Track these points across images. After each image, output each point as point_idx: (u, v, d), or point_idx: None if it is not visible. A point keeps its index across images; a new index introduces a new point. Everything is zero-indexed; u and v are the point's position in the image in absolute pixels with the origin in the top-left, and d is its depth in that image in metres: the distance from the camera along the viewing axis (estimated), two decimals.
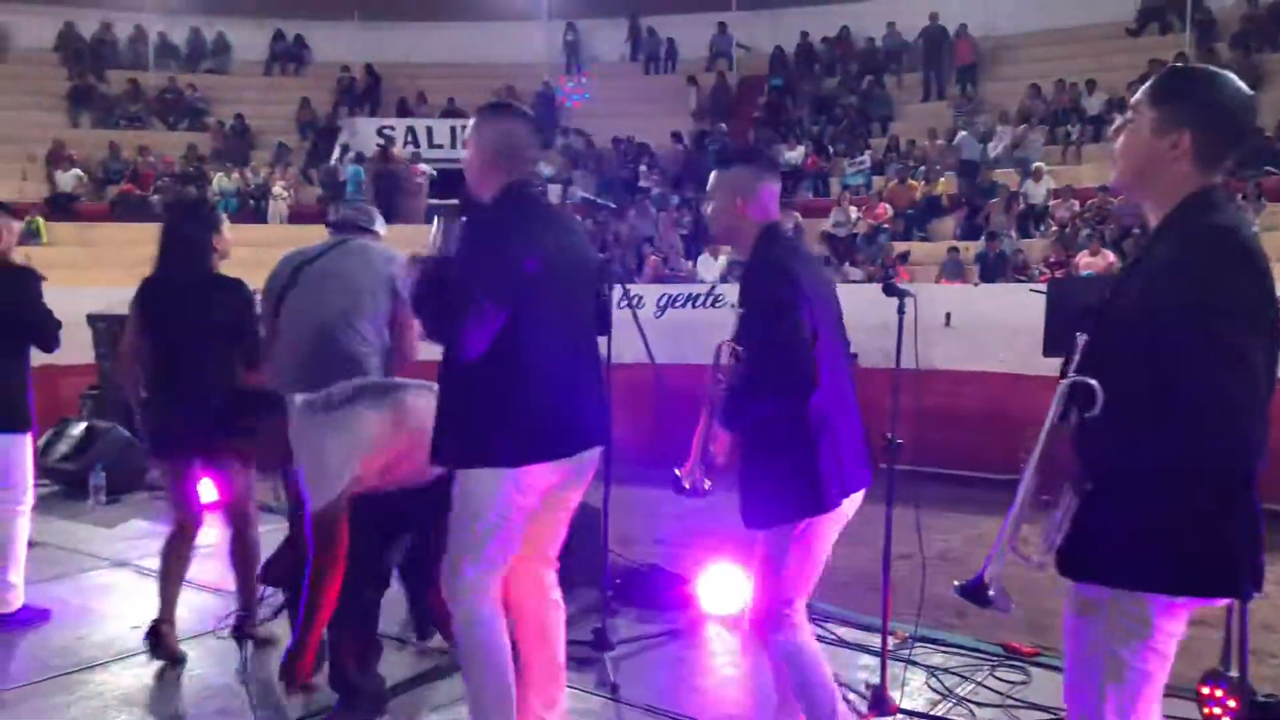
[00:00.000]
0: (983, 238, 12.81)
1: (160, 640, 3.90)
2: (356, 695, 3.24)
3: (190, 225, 4.02)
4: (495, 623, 2.79)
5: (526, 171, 2.88)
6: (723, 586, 4.26)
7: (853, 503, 2.79)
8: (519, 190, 2.83)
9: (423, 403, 3.03)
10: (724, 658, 3.96)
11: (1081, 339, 1.98)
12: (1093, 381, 1.86)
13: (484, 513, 2.74)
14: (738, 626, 4.10)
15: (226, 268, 4.08)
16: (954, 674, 3.70)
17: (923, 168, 14.96)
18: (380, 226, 3.94)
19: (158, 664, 3.88)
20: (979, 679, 3.67)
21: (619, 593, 4.40)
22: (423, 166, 16.57)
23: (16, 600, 4.32)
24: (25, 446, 4.33)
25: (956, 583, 1.97)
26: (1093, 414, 1.85)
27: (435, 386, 3.02)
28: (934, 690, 3.58)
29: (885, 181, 15.09)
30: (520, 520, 2.79)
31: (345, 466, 2.96)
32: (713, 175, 2.89)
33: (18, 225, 4.49)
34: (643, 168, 16.58)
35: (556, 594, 3.06)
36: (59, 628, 4.29)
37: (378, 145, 17.05)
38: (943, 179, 14.75)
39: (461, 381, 2.71)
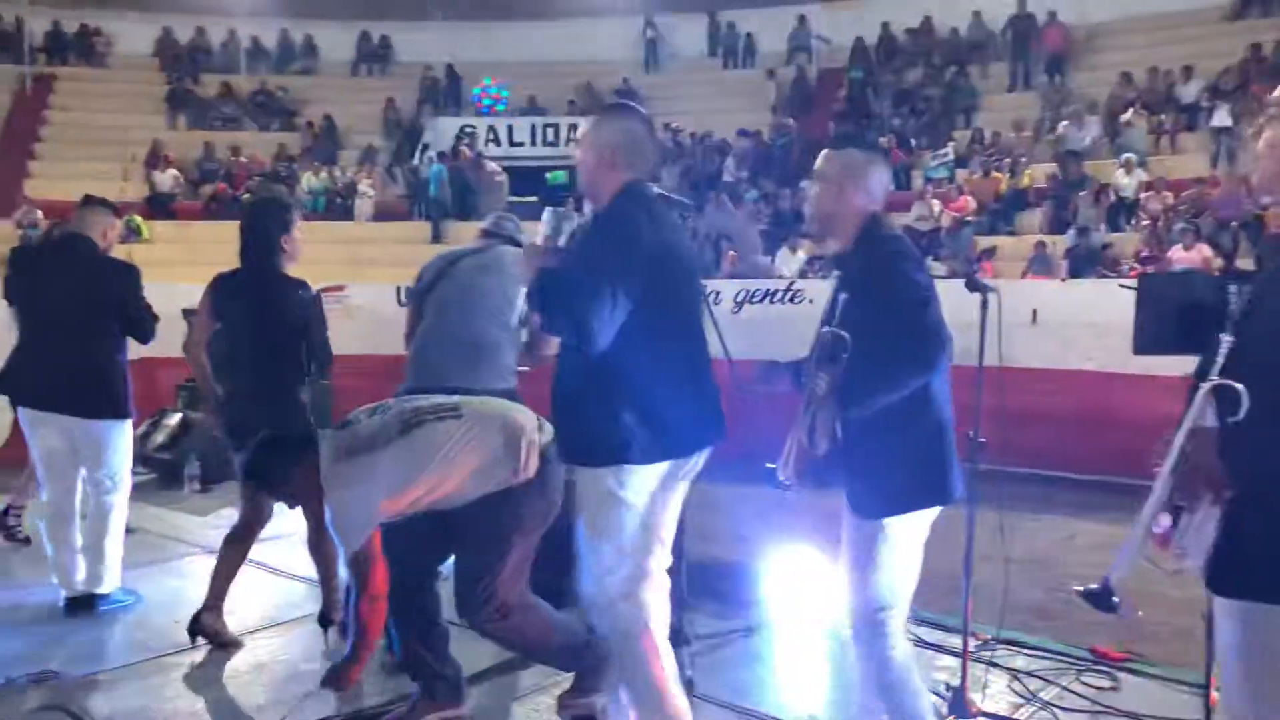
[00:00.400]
0: (1072, 231, 12.47)
1: (201, 627, 3.97)
2: (435, 682, 3.30)
3: (261, 221, 4.11)
4: (654, 629, 2.80)
5: (644, 171, 2.86)
6: (802, 583, 4.23)
7: None
8: (639, 189, 2.82)
9: (443, 429, 3.06)
10: (803, 655, 3.93)
11: (1226, 341, 1.91)
12: (1238, 385, 1.79)
13: (629, 514, 2.73)
14: (817, 624, 4.07)
15: (320, 262, 4.21)
16: (1038, 677, 3.62)
17: (1008, 160, 14.62)
18: (523, 236, 4.15)
19: (247, 649, 4.01)
20: (1064, 683, 3.58)
21: (697, 588, 4.39)
22: (489, 165, 16.78)
23: (112, 581, 4.49)
24: (124, 432, 4.48)
25: (1079, 587, 1.92)
26: (1236, 418, 1.78)
27: (467, 408, 3.12)
28: (1016, 693, 3.51)
29: (969, 174, 14.79)
30: (662, 517, 2.78)
31: (368, 516, 2.98)
32: (822, 155, 2.80)
33: (119, 223, 4.67)
34: (729, 163, 16.52)
35: (668, 588, 3.03)
36: (155, 612, 4.46)
37: (462, 144, 17.32)
38: (1028, 171, 14.40)
39: (592, 379, 2.71)
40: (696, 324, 2.88)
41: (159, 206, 16.29)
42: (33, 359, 4.41)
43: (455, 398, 3.25)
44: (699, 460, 2.88)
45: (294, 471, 3.09)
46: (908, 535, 2.70)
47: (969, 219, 13.70)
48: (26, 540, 5.46)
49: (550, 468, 3.16)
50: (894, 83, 17.91)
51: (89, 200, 4.61)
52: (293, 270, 4.12)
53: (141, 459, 6.89)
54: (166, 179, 16.71)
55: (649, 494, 2.74)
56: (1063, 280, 11.44)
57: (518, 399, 4.02)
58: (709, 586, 4.47)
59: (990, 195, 14.16)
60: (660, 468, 2.74)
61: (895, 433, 2.63)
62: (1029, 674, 3.65)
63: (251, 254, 4.06)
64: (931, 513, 2.73)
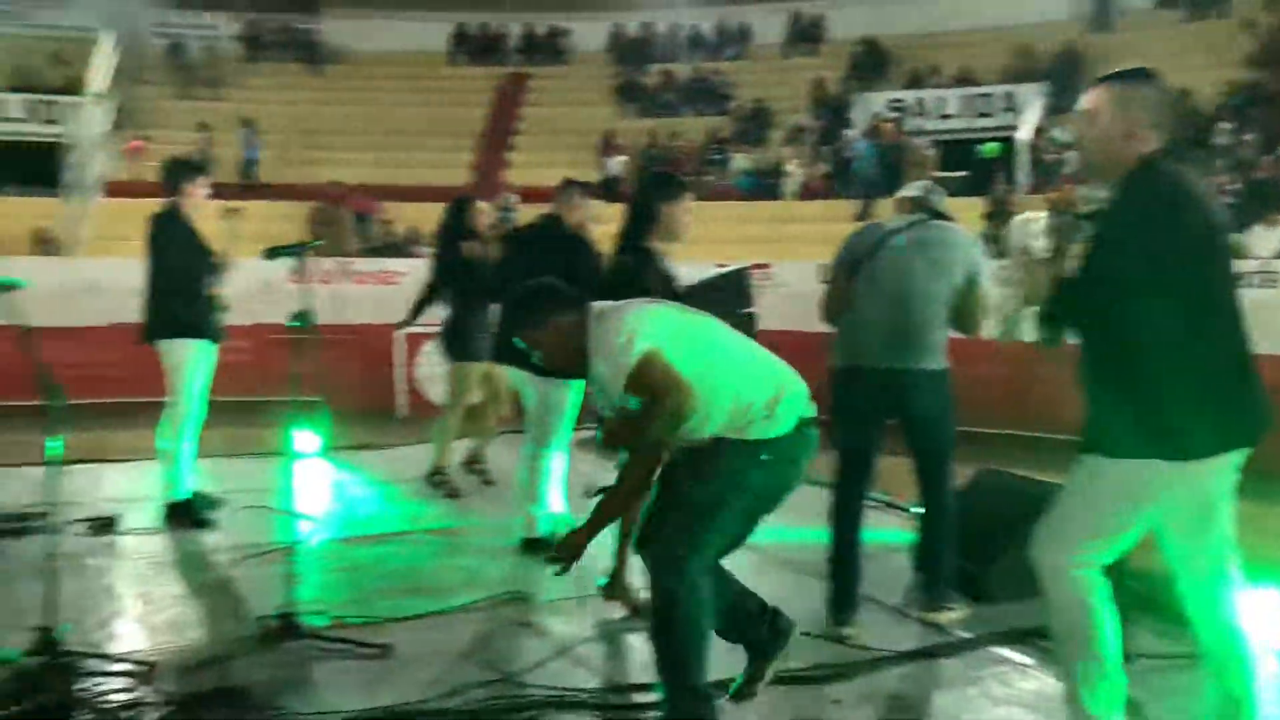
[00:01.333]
0: None
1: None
2: (759, 644, 3.30)
3: (640, 193, 4.51)
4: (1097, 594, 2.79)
5: (1164, 141, 2.70)
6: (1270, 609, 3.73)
7: None
8: (1162, 162, 2.66)
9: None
10: (1267, 690, 3.48)
11: None
12: None
13: (1128, 503, 2.68)
14: None
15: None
16: None
17: None
18: (948, 210, 4.27)
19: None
20: None
21: (1137, 600, 4.04)
22: (910, 141, 16.33)
23: (544, 527, 4.95)
24: (561, 390, 4.84)
25: None
26: None
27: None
28: None
29: None
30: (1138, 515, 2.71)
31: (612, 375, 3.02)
32: None
33: (589, 202, 5.27)
34: (1226, 125, 14.81)
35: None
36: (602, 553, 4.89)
37: (885, 120, 17.12)
38: None
39: (1099, 366, 2.66)
40: (1230, 310, 2.64)
41: (609, 190, 17.88)
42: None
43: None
44: (1214, 466, 2.63)
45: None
46: None
47: None
48: (491, 481, 6.47)
49: (801, 441, 3.07)
50: None
51: (564, 183, 5.30)
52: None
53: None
54: (617, 164, 18.27)
55: (1125, 487, 2.63)
56: None
57: (949, 380, 3.99)
58: (1152, 599, 4.10)
59: None
60: (1152, 464, 2.58)
61: None
62: None
63: (631, 224, 4.26)
64: None
